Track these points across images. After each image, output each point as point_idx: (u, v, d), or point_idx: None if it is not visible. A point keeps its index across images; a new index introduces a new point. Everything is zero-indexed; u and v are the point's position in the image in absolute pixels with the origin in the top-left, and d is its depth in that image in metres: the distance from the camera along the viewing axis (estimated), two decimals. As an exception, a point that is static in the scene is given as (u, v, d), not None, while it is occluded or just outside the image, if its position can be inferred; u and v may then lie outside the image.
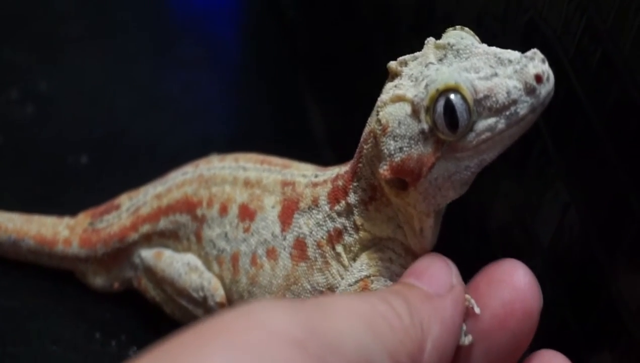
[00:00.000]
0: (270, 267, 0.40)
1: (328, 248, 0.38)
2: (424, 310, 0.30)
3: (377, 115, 0.34)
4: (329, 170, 0.40)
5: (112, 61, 0.65)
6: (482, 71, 0.32)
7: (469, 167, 0.33)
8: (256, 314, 0.25)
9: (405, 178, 0.33)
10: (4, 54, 0.63)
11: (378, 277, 0.36)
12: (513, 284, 0.33)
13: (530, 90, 0.32)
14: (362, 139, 0.36)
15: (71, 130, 0.58)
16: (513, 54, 0.32)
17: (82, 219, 0.47)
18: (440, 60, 0.33)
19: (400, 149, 0.33)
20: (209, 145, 0.55)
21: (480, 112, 0.32)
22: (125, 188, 0.47)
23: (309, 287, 0.39)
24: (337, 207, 0.38)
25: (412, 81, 0.33)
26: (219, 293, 0.42)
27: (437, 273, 0.33)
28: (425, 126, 0.32)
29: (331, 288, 0.38)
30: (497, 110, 0.32)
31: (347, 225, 0.38)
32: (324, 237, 0.38)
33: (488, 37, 0.34)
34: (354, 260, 0.38)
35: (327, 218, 0.38)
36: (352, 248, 0.38)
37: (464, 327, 0.33)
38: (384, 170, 0.34)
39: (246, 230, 0.41)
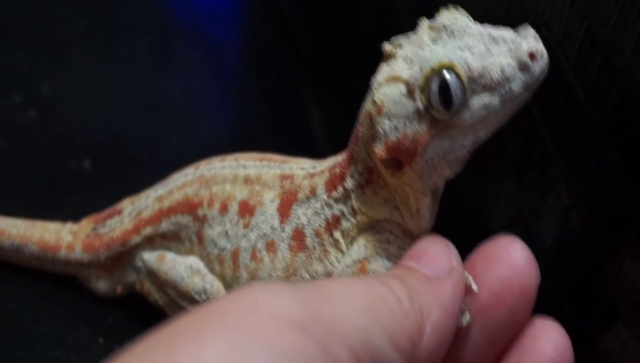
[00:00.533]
0: (270, 260, 0.40)
1: (326, 236, 0.38)
2: (423, 294, 0.30)
3: (373, 96, 0.34)
4: (326, 161, 0.40)
5: (112, 64, 0.65)
6: (476, 49, 0.32)
7: (464, 145, 0.33)
8: (255, 297, 0.25)
9: (400, 157, 0.34)
10: (6, 58, 0.63)
11: (375, 258, 0.37)
12: (510, 260, 0.33)
13: (524, 68, 0.32)
14: (357, 123, 0.36)
15: (73, 134, 0.58)
16: (507, 33, 0.33)
17: (85, 225, 0.47)
18: (435, 40, 0.33)
19: (396, 128, 0.33)
20: (210, 147, 0.55)
21: (475, 90, 0.32)
22: (128, 192, 0.47)
23: (307, 276, 0.39)
24: (334, 194, 0.38)
25: (406, 62, 0.34)
26: (222, 296, 0.42)
27: (436, 255, 0.33)
28: (420, 105, 0.33)
29: (330, 276, 0.38)
30: (491, 88, 0.32)
31: (345, 210, 0.38)
32: (322, 225, 0.38)
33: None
34: (352, 244, 0.38)
35: (324, 206, 0.38)
36: (350, 232, 0.38)
37: (463, 307, 0.33)
38: (379, 150, 0.34)
39: (246, 226, 0.41)
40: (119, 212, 0.46)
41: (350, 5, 0.59)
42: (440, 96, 0.32)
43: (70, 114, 0.60)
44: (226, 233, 0.42)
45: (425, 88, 0.32)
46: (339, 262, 0.38)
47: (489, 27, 0.33)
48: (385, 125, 0.34)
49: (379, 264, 0.37)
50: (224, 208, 0.42)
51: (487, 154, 0.35)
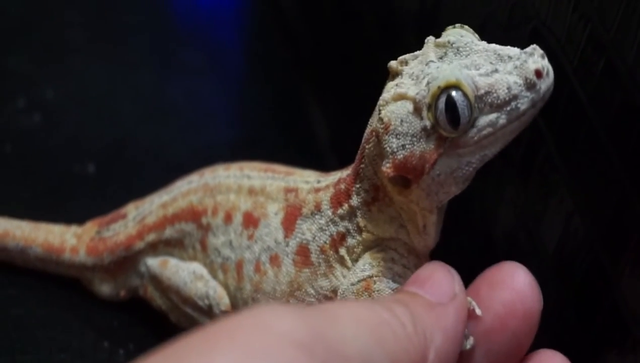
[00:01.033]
0: (274, 273, 0.40)
1: (331, 252, 0.38)
2: (427, 319, 0.30)
3: (379, 113, 0.34)
4: (331, 176, 0.40)
5: (116, 68, 0.65)
6: (482, 68, 0.32)
7: (470, 162, 0.33)
8: (263, 317, 0.25)
9: (408, 175, 0.34)
10: (10, 63, 0.63)
11: (380, 278, 0.37)
12: (513, 286, 0.33)
13: (530, 86, 0.32)
14: (363, 140, 0.37)
15: (78, 139, 0.58)
16: (513, 50, 0.33)
17: (90, 228, 0.47)
18: (441, 58, 0.34)
19: (403, 146, 0.33)
20: (213, 151, 0.55)
21: (482, 108, 0.32)
22: (132, 197, 0.47)
23: (312, 292, 0.39)
24: (339, 211, 0.38)
25: (413, 80, 0.34)
26: (224, 302, 0.42)
27: (439, 281, 0.33)
28: (428, 123, 0.33)
29: (335, 292, 0.38)
30: (498, 106, 0.32)
31: (350, 227, 0.38)
32: (327, 242, 0.38)
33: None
34: (357, 261, 0.38)
35: (330, 223, 0.39)
36: (355, 249, 0.38)
37: (466, 331, 0.33)
38: (387, 168, 0.34)
39: (250, 237, 0.41)
40: (123, 216, 0.46)
41: (353, 11, 0.59)
42: (448, 115, 0.32)
43: (74, 119, 0.60)
44: (230, 243, 0.42)
45: (432, 106, 0.32)
46: (344, 277, 0.38)
47: (494, 45, 0.33)
48: (392, 143, 0.34)
49: (383, 284, 0.36)
50: (228, 218, 0.42)
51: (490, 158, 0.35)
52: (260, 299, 0.40)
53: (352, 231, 0.38)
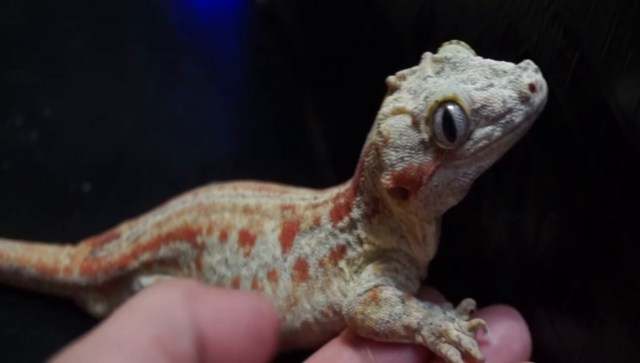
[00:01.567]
0: (272, 289, 0.40)
1: (330, 265, 0.39)
2: None
3: (378, 127, 0.35)
4: (327, 192, 0.41)
5: (115, 81, 0.65)
6: (478, 82, 0.34)
7: (467, 174, 0.34)
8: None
9: (406, 186, 0.35)
10: (8, 77, 0.63)
11: (386, 286, 0.37)
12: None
13: (524, 99, 0.33)
14: (363, 153, 0.37)
15: (75, 156, 0.58)
16: (507, 65, 0.34)
17: (83, 248, 0.47)
18: (438, 73, 0.35)
19: (402, 158, 0.34)
20: (213, 164, 0.55)
21: (478, 121, 0.33)
22: (131, 211, 0.47)
23: (309, 307, 0.39)
24: (340, 224, 0.39)
25: (411, 94, 0.35)
26: None
27: None
28: (426, 136, 0.34)
29: (331, 307, 0.39)
30: (493, 119, 0.33)
31: (351, 240, 0.39)
32: (326, 255, 0.39)
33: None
34: (357, 273, 0.38)
35: (329, 236, 0.39)
36: (355, 261, 0.38)
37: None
38: (386, 179, 0.35)
39: (247, 254, 0.41)
40: (117, 236, 0.46)
41: (352, 26, 0.59)
42: (445, 128, 0.33)
43: (72, 135, 0.59)
44: (226, 261, 0.42)
45: (430, 120, 0.33)
46: (341, 291, 0.38)
47: (489, 60, 0.34)
48: (391, 156, 0.35)
49: (389, 291, 0.37)
50: (223, 237, 0.42)
51: (484, 180, 0.36)
52: None
53: (352, 243, 0.39)
